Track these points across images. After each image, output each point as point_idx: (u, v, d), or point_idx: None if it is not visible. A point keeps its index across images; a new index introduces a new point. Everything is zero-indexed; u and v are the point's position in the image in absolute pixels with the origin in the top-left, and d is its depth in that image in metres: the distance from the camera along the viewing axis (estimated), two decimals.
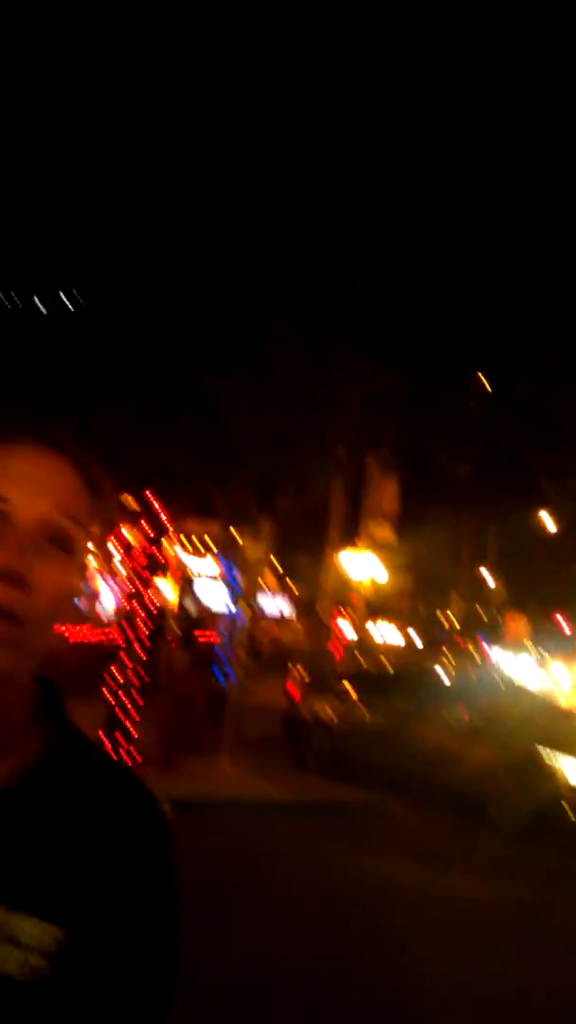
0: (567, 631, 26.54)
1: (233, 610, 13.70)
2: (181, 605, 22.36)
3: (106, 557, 20.98)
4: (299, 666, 16.30)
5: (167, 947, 1.02)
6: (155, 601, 13.43)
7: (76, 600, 1.02)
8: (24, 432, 1.01)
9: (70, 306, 19.16)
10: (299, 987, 5.36)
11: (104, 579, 23.01)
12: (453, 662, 16.97)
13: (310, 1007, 5.11)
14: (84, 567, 1.01)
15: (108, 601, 20.15)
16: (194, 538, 18.03)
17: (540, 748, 10.28)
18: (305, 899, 6.98)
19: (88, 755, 1.05)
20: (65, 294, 19.14)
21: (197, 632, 18.64)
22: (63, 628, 14.80)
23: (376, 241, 18.26)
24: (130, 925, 0.97)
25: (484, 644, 23.19)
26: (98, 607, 20.40)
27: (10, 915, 0.91)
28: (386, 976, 5.65)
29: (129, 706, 10.42)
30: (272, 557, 19.42)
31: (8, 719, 0.98)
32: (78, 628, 17.10)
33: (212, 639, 16.96)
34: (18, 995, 0.89)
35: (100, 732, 10.16)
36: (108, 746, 10.11)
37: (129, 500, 13.39)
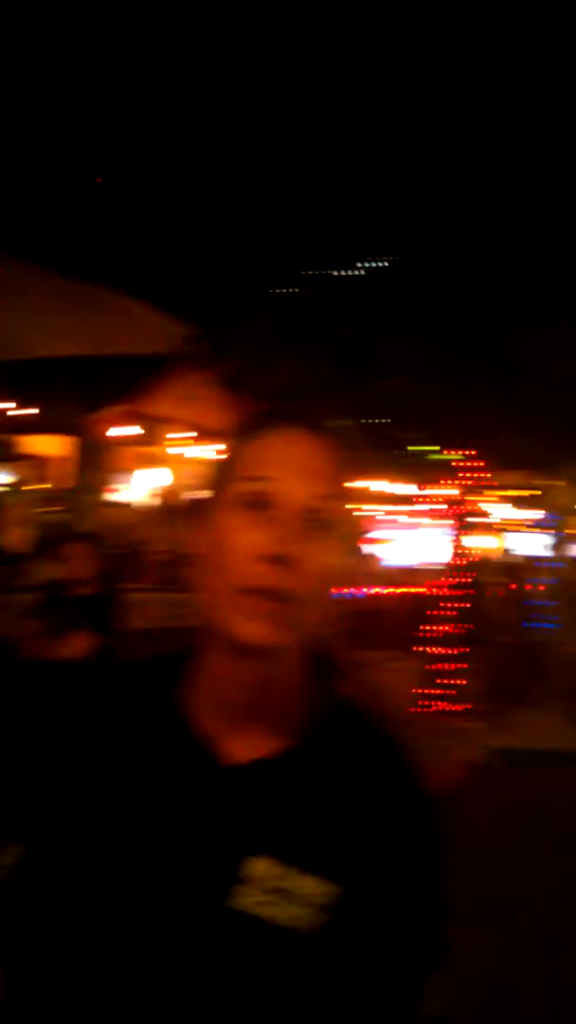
0: None
1: (552, 558, 13.53)
2: (500, 556, 22.25)
3: (426, 512, 21.41)
4: None
5: (435, 905, 1.06)
6: (474, 553, 13.62)
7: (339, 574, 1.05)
8: (286, 415, 1.06)
9: (368, 266, 19.53)
10: None
11: (424, 533, 23.42)
12: None
13: None
14: (345, 544, 1.04)
15: (429, 554, 20.52)
16: (509, 489, 17.94)
17: None
18: None
19: (359, 720, 1.10)
20: (367, 256, 19.51)
21: (517, 582, 18.54)
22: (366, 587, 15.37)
23: None
24: (400, 883, 1.03)
25: None
26: (420, 561, 20.82)
27: (290, 872, 0.99)
28: None
29: (450, 658, 10.72)
30: None
31: (281, 689, 1.05)
32: (399, 583, 17.61)
33: (532, 588, 16.82)
34: (299, 947, 0.97)
35: (419, 685, 10.53)
36: (428, 699, 10.51)
37: (446, 455, 13.67)
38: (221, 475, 1.07)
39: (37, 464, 15.96)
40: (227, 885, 0.98)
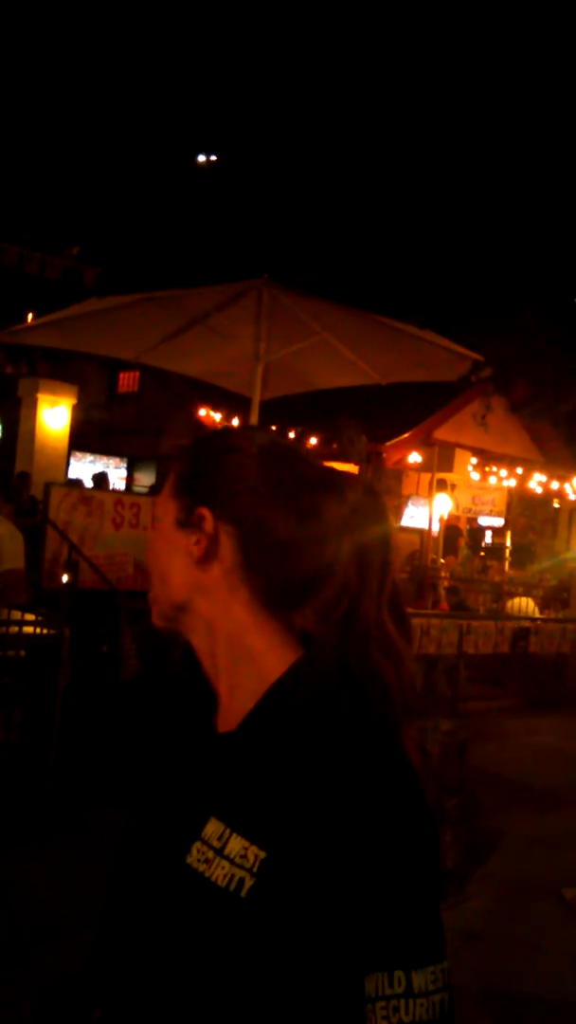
0: None
1: None
2: None
3: None
4: None
5: (376, 891, 0.99)
6: None
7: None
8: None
9: None
10: None
11: None
12: None
13: None
14: (158, 533, 1.21)
15: None
16: None
17: None
18: None
19: (312, 699, 1.09)
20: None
21: None
22: None
23: None
24: (335, 860, 0.99)
25: None
26: None
27: (228, 832, 1.05)
28: None
29: None
30: None
31: (224, 663, 1.16)
32: None
33: None
34: (224, 904, 1.01)
35: None
36: None
37: None
38: None
39: None
40: (186, 842, 1.08)
